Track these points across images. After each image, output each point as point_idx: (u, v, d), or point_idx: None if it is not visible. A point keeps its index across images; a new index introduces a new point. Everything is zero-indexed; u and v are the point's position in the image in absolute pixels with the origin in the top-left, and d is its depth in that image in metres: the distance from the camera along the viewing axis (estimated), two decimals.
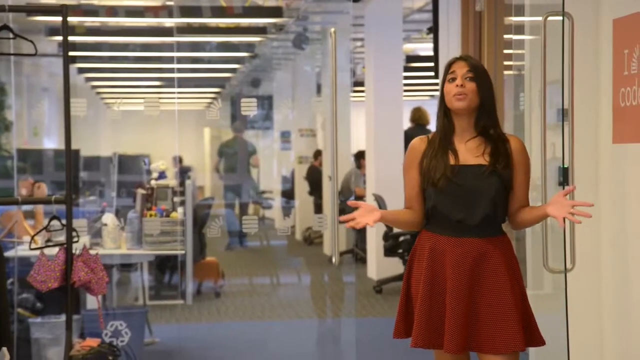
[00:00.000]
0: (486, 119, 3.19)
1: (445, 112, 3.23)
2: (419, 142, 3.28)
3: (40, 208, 6.18)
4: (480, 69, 3.21)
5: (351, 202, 3.15)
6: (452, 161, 3.19)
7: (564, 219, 3.01)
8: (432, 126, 10.19)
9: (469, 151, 3.20)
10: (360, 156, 10.92)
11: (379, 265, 8.74)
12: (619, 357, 3.84)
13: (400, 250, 8.16)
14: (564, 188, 3.86)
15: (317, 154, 11.75)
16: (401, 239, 8.16)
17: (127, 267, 7.09)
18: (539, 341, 3.20)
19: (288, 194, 12.52)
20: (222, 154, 11.86)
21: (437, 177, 3.17)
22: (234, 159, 11.67)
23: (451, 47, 6.32)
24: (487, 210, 3.14)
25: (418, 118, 9.23)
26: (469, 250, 3.14)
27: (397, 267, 8.37)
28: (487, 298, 3.12)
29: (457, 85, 3.16)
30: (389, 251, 8.24)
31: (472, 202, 3.13)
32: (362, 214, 3.12)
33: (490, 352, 3.11)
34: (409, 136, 8.73)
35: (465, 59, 3.21)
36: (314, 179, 11.46)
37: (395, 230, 8.17)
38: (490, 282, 3.14)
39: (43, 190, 6.48)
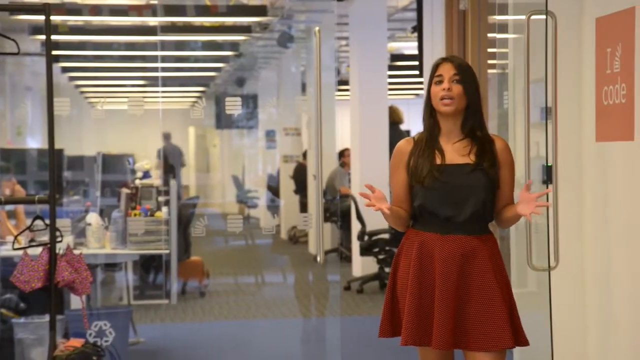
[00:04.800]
0: (473, 120, 3.22)
1: (431, 113, 3.24)
2: (405, 144, 3.29)
3: (21, 208, 6.15)
4: (467, 69, 3.22)
5: (368, 184, 3.15)
6: (438, 161, 3.20)
7: (531, 214, 3.12)
8: (406, 125, 10.31)
9: (456, 151, 3.22)
10: (341, 154, 10.92)
11: (364, 264, 8.74)
12: (602, 354, 3.86)
13: (376, 249, 8.16)
14: (547, 186, 3.88)
15: (307, 153, 11.75)
16: (375, 238, 8.15)
17: (111, 266, 7.07)
18: (523, 342, 3.21)
19: (273, 193, 12.52)
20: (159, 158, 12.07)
21: (423, 174, 3.18)
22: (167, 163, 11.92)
23: (435, 45, 6.33)
24: (475, 208, 3.16)
25: (389, 116, 9.22)
26: (457, 247, 3.15)
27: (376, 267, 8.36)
28: (475, 296, 3.14)
29: (444, 89, 3.17)
30: (365, 250, 8.24)
31: (461, 199, 3.15)
32: (377, 198, 3.13)
33: (477, 349, 3.12)
34: None
35: (451, 60, 3.21)
36: (301, 177, 11.45)
37: (370, 229, 8.18)
38: (478, 279, 3.15)
39: (19, 189, 6.43)
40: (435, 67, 3.23)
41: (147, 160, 6.68)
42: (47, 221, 4.42)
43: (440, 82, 3.19)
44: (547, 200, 3.64)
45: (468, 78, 3.20)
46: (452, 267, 3.14)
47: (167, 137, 11.88)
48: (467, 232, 3.16)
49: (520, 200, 3.15)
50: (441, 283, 3.13)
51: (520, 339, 3.19)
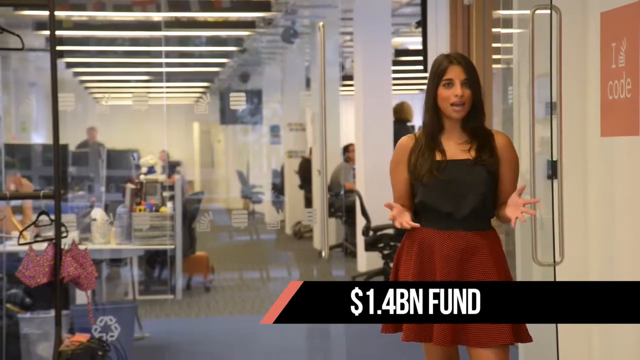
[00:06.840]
0: (475, 119, 3.21)
1: (435, 112, 3.22)
2: (406, 140, 3.30)
3: (29, 203, 6.16)
4: (474, 70, 3.21)
5: (387, 204, 3.17)
6: (438, 157, 3.20)
7: (516, 219, 3.09)
8: (414, 122, 10.31)
9: (457, 147, 3.22)
10: (345, 149, 10.92)
11: (369, 259, 8.74)
12: (607, 349, 3.86)
13: (381, 245, 8.16)
14: (552, 181, 3.88)
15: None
16: (380, 233, 8.15)
17: (116, 262, 7.07)
18: (526, 338, 3.20)
19: (278, 189, 12.52)
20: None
21: (422, 172, 3.19)
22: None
23: (440, 41, 6.33)
24: (475, 203, 3.16)
25: (397, 113, 9.20)
26: (457, 243, 3.15)
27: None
28: None
29: (456, 95, 3.15)
30: (370, 246, 8.24)
31: (461, 195, 3.15)
32: (398, 213, 3.15)
33: (477, 345, 3.12)
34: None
35: (459, 62, 3.18)
36: (306, 172, 11.45)
37: (375, 224, 8.18)
38: (479, 275, 3.14)
39: (26, 183, 6.44)
40: (444, 69, 3.18)
41: (151, 156, 6.67)
42: (52, 216, 4.43)
43: (450, 85, 3.17)
44: (551, 199, 3.64)
45: (475, 80, 3.19)
46: (453, 264, 3.14)
47: (90, 132, 11.90)
48: (467, 228, 3.16)
49: (509, 204, 3.14)
50: (442, 279, 3.12)
51: (522, 335, 3.18)
